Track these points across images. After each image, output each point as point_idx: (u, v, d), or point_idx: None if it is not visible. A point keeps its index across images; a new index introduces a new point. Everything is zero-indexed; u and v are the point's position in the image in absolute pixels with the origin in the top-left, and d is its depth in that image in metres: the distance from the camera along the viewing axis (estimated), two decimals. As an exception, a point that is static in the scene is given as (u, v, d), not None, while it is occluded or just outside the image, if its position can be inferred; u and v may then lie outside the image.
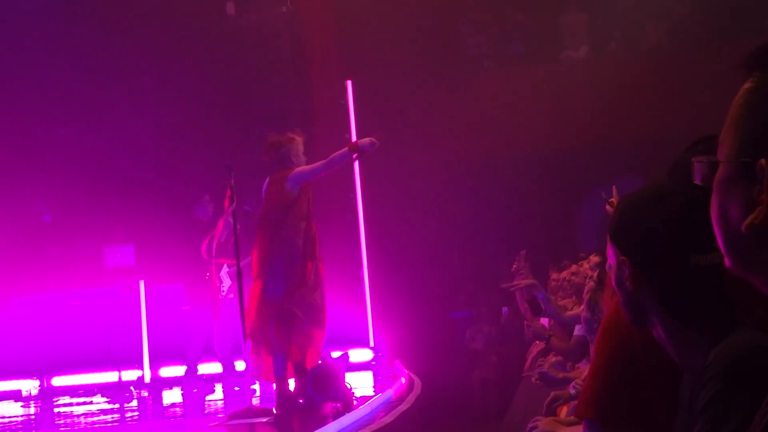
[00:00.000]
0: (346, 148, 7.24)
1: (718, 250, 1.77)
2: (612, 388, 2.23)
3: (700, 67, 11.33)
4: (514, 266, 7.37)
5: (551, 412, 4.84)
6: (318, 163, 7.11)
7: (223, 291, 8.97)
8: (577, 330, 5.87)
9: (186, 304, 9.60)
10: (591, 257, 6.06)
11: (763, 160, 1.18)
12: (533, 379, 6.27)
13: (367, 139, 7.09)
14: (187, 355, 9.29)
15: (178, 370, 9.97)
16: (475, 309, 12.11)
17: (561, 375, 5.53)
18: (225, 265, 8.93)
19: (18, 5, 10.88)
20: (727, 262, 1.34)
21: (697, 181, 1.56)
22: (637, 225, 1.87)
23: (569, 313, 6.12)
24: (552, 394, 5.33)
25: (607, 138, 11.57)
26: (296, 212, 7.03)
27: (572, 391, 5.16)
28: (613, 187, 5.35)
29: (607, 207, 5.49)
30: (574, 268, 6.78)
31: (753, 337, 1.68)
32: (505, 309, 11.73)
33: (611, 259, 1.99)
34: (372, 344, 10.14)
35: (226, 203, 7.47)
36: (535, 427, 3.33)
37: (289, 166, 7.07)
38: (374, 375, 9.45)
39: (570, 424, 3.53)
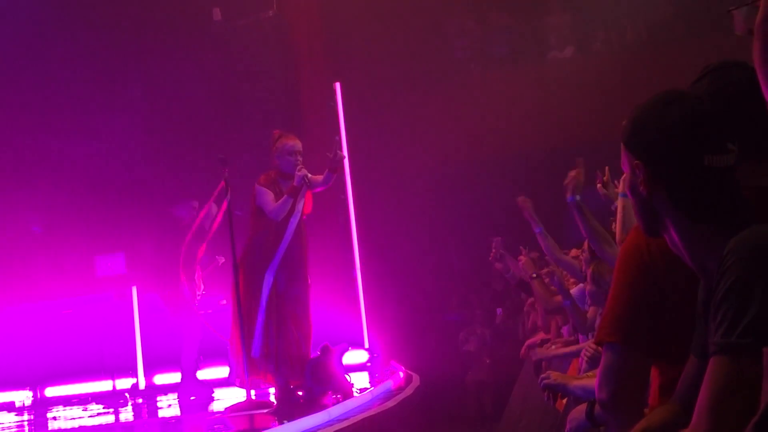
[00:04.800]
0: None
1: (731, 152, 1.78)
2: (634, 310, 2.21)
3: (683, 64, 11.41)
4: (492, 255, 7.58)
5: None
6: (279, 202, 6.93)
7: (198, 296, 8.84)
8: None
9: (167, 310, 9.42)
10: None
11: None
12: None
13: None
14: (181, 362, 9.16)
15: (173, 377, 9.88)
16: (468, 311, 12.07)
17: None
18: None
19: (1, 13, 10.83)
20: None
21: (738, 32, 1.58)
22: (650, 127, 1.88)
23: (572, 289, 6.14)
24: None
25: (595, 137, 11.60)
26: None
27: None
28: (606, 167, 5.38)
29: (599, 186, 5.52)
30: (574, 252, 6.76)
31: None
32: (499, 310, 11.69)
33: (625, 166, 1.98)
34: (367, 345, 10.07)
35: (214, 196, 7.44)
36: (547, 378, 3.31)
37: (273, 166, 7.07)
38: (370, 375, 9.38)
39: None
